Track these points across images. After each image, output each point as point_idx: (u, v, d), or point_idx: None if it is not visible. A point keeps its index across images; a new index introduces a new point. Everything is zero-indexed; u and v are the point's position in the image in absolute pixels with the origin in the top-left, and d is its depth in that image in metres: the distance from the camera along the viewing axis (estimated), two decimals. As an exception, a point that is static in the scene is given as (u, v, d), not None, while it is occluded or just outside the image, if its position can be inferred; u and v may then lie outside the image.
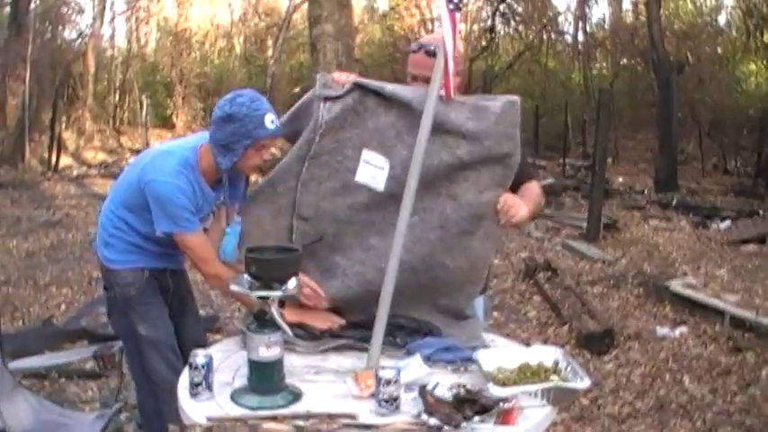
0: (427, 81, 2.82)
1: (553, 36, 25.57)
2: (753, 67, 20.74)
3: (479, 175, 2.69)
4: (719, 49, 21.06)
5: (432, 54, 2.82)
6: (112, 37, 27.54)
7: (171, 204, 2.81)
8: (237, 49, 28.33)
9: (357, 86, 2.75)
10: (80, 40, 22.56)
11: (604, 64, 25.84)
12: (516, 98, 2.76)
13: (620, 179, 16.14)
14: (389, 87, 2.75)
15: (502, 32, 24.71)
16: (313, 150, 2.69)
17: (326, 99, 2.74)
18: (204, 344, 3.10)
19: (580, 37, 26.40)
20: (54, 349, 5.09)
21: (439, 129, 2.63)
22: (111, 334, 5.13)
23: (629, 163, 19.37)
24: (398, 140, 2.69)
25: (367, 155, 2.70)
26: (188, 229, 2.85)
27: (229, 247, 2.96)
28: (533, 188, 3.01)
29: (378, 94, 2.74)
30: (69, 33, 22.05)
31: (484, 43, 23.17)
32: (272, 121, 2.78)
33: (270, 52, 25.10)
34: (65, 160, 17.58)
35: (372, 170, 2.70)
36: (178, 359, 3.04)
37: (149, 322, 3.08)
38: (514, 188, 2.93)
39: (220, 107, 2.80)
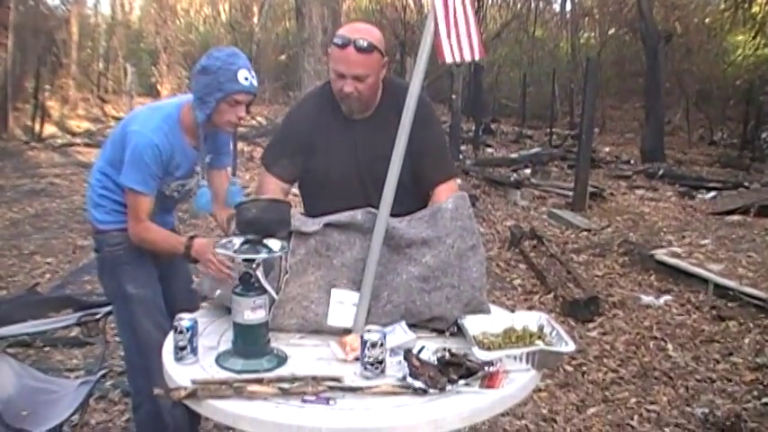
0: (357, 79, 2.72)
1: (541, 5, 25.47)
2: (740, 38, 20.75)
3: (460, 293, 2.54)
4: (707, 20, 21.04)
5: (363, 50, 2.68)
6: (96, 4, 27.31)
7: (141, 160, 2.83)
8: (223, 17, 28.14)
9: (324, 225, 2.60)
10: (63, 6, 22.32)
11: (592, 33, 25.80)
12: (464, 193, 2.69)
13: (607, 149, 16.18)
14: (360, 217, 2.59)
15: (490, 1, 24.59)
16: (278, 300, 2.48)
17: (297, 233, 2.58)
18: (196, 307, 3.11)
19: (568, 6, 26.35)
20: (38, 317, 5.06)
21: (401, 246, 2.55)
22: (96, 301, 5.14)
23: (616, 133, 19.42)
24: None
25: (338, 295, 2.55)
26: (142, 189, 2.87)
27: (203, 200, 2.99)
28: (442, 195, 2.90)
29: (340, 228, 2.59)
30: (52, 0, 21.80)
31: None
32: (246, 78, 2.78)
33: (255, 19, 24.92)
34: (49, 129, 17.45)
35: (346, 309, 2.53)
36: (165, 319, 3.04)
37: (137, 281, 3.09)
38: (428, 189, 2.90)
39: (199, 60, 2.84)
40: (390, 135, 2.58)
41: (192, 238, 2.88)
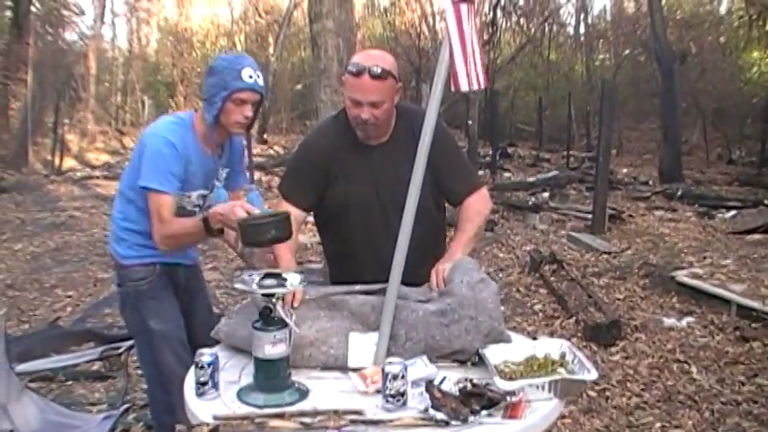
0: (373, 105, 2.74)
1: (555, 28, 25.55)
2: (755, 55, 20.70)
3: (479, 324, 2.53)
4: (722, 38, 21.03)
5: (377, 77, 2.70)
6: (113, 38, 27.65)
7: (159, 157, 2.86)
8: (239, 48, 28.38)
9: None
10: (81, 41, 22.60)
11: (607, 55, 25.83)
12: (468, 258, 2.78)
13: (625, 170, 16.14)
14: (357, 287, 2.69)
15: (503, 26, 24.69)
16: (295, 345, 2.39)
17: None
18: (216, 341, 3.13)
19: (582, 28, 26.42)
20: (60, 351, 5.09)
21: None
22: (118, 335, 5.17)
23: (634, 154, 19.37)
24: (375, 311, 2.55)
25: (356, 338, 2.53)
26: (163, 188, 2.86)
27: (220, 199, 3.02)
28: (472, 206, 2.97)
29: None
30: (70, 35, 22.09)
31: (486, 37, 23.15)
32: (250, 76, 2.85)
33: (271, 50, 25.12)
34: (68, 162, 17.60)
35: (366, 350, 2.50)
36: (188, 354, 3.04)
37: (160, 317, 3.10)
38: (457, 202, 2.97)
39: (212, 62, 2.95)
40: (407, 159, 2.60)
41: (206, 212, 2.84)
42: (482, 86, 2.52)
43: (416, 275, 2.70)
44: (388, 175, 2.86)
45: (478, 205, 2.99)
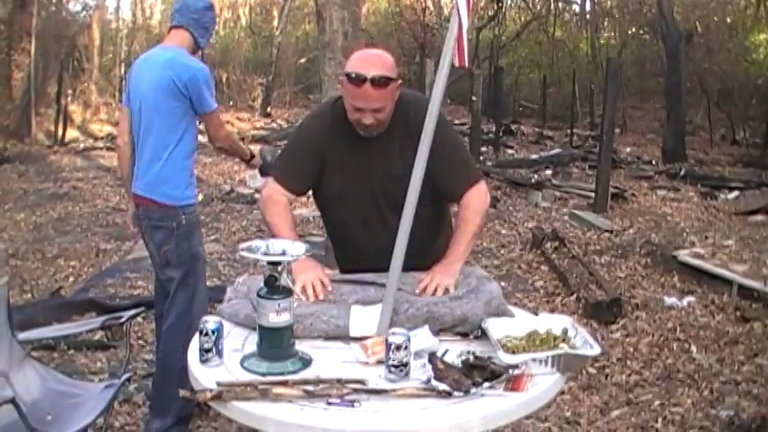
0: (376, 111, 2.70)
1: (561, 5, 25.40)
2: (762, 36, 20.56)
3: (478, 292, 2.59)
4: (728, 19, 20.87)
5: (379, 85, 2.64)
6: (117, 9, 27.45)
7: (209, 83, 3.63)
8: (243, 21, 28.21)
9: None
10: (85, 12, 22.48)
11: (612, 33, 25.66)
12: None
13: (628, 149, 16.07)
14: (369, 276, 2.72)
15: (509, 2, 24.56)
16: (296, 314, 2.38)
17: None
18: None
19: (588, 6, 26.25)
20: (62, 321, 5.11)
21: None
22: (120, 305, 5.19)
23: (637, 133, 19.27)
24: (381, 291, 2.55)
25: (357, 309, 2.55)
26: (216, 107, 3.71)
27: None
28: (471, 206, 2.88)
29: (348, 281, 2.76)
30: (74, 6, 21.96)
31: (491, 13, 23.05)
32: None
33: (275, 23, 24.98)
34: (71, 133, 17.54)
35: (368, 321, 2.50)
36: None
37: (202, 244, 3.82)
38: (456, 198, 2.91)
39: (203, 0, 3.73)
40: (400, 153, 2.65)
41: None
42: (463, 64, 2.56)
43: (416, 266, 2.71)
44: (381, 168, 2.85)
45: (477, 205, 2.89)
